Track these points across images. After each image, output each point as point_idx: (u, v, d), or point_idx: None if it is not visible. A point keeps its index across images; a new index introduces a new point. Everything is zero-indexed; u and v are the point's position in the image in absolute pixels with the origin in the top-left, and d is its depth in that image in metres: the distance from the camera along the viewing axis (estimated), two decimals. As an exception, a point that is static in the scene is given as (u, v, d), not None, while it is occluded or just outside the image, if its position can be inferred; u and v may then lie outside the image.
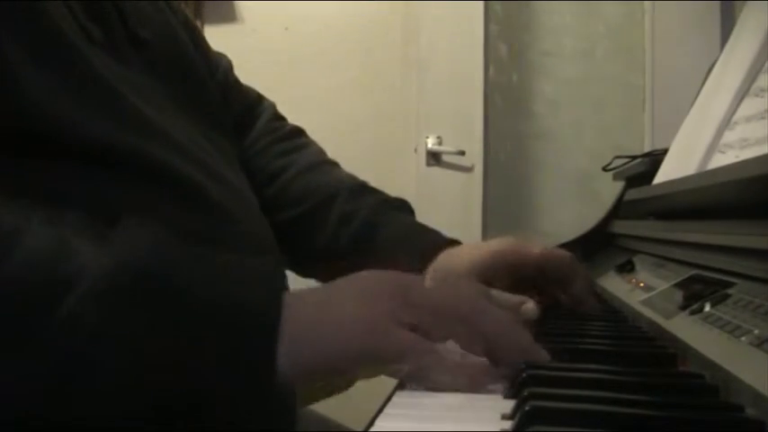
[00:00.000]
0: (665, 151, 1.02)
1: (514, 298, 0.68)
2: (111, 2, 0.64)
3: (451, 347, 0.51)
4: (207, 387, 0.43)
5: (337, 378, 0.48)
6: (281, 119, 0.95)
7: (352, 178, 0.90)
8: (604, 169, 1.32)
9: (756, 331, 0.48)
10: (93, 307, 0.41)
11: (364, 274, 0.51)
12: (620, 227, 1.16)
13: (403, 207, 0.86)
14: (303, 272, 0.85)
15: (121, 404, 0.42)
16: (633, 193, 1.13)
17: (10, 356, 0.40)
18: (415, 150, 1.91)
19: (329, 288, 0.51)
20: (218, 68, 0.88)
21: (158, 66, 0.68)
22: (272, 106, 0.96)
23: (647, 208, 1.03)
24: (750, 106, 0.79)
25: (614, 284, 0.92)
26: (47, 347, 0.40)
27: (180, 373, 0.43)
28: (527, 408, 0.40)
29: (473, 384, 0.48)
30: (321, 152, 0.93)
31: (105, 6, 0.63)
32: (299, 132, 0.94)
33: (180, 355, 0.42)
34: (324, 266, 0.81)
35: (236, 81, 0.93)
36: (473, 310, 0.50)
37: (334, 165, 0.92)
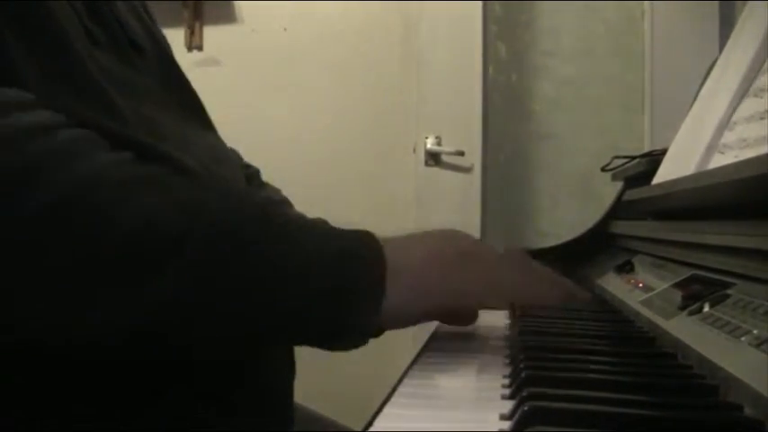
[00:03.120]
0: (664, 151, 1.02)
1: None
2: (109, 9, 0.65)
3: None
4: (318, 320, 0.52)
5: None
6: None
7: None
8: (603, 169, 1.32)
9: (756, 331, 0.48)
10: (225, 237, 0.49)
11: (443, 230, 0.63)
12: (619, 227, 1.16)
13: None
14: None
15: (234, 323, 0.50)
16: (632, 194, 1.13)
17: (150, 280, 0.47)
18: (414, 150, 1.91)
19: (416, 236, 0.61)
20: None
21: (155, 71, 0.70)
22: None
23: (647, 208, 1.03)
24: (749, 106, 0.79)
25: (613, 285, 0.92)
26: (182, 274, 0.48)
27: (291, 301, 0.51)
28: (526, 408, 0.40)
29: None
30: (279, 192, 0.97)
31: (105, 12, 0.64)
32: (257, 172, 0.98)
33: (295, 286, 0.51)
34: None
35: None
36: (529, 263, 0.66)
37: (290, 205, 0.94)
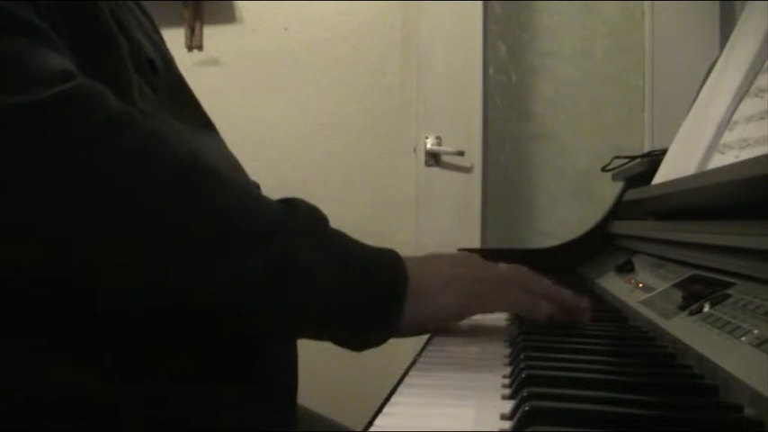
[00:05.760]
0: (664, 151, 1.02)
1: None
2: (130, 28, 0.67)
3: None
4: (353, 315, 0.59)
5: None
6: None
7: None
8: (604, 169, 1.32)
9: (756, 331, 0.48)
10: (303, 236, 0.57)
11: (453, 254, 0.72)
12: (619, 227, 1.16)
13: None
14: None
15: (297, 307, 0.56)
16: (632, 194, 1.13)
17: (250, 252, 0.53)
18: (415, 150, 1.91)
19: (430, 260, 0.67)
20: None
21: (167, 88, 0.71)
22: None
23: (647, 208, 1.03)
24: (750, 106, 0.79)
25: (614, 285, 0.92)
26: (282, 250, 0.55)
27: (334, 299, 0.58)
28: (526, 408, 0.40)
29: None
30: None
31: (129, 29, 0.65)
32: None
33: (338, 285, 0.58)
34: None
35: None
36: (531, 279, 0.69)
37: None
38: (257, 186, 0.96)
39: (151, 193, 0.51)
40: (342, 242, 0.61)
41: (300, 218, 0.58)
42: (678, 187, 0.82)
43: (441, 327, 0.69)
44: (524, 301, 0.68)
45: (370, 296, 0.59)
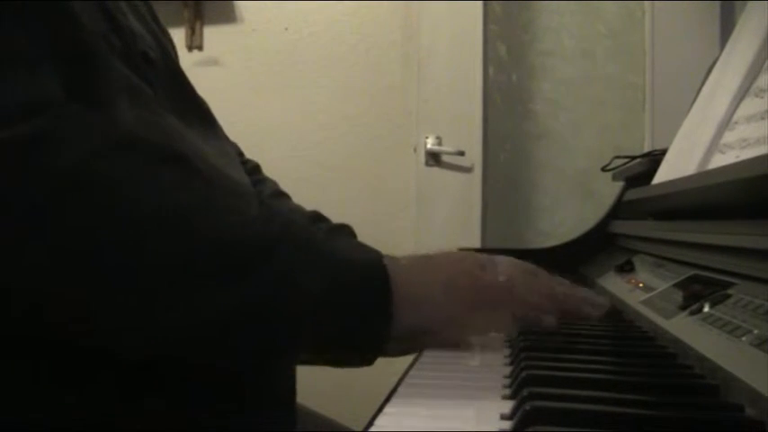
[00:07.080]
0: (664, 151, 1.02)
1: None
2: (124, 19, 0.66)
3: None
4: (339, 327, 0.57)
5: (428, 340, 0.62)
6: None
7: (304, 210, 0.95)
8: (604, 169, 1.32)
9: (756, 331, 0.48)
10: (293, 258, 0.55)
11: (452, 253, 0.67)
12: (619, 227, 1.16)
13: (350, 231, 0.91)
14: None
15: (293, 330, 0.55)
16: (633, 194, 1.13)
17: (236, 283, 0.52)
18: (415, 150, 1.91)
19: (425, 260, 0.63)
20: None
21: (163, 82, 0.70)
22: None
23: (647, 208, 1.03)
24: (750, 106, 0.79)
25: (614, 284, 0.92)
26: (267, 280, 0.53)
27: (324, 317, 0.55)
28: (526, 408, 0.40)
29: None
30: (277, 184, 0.99)
31: (121, 21, 0.64)
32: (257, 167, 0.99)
33: (326, 300, 0.55)
34: None
35: None
36: (543, 278, 0.66)
37: (289, 198, 0.97)
38: (257, 167, 0.96)
39: (135, 227, 0.50)
40: (323, 264, 0.57)
41: (286, 246, 0.55)
42: (678, 187, 0.82)
43: (438, 345, 0.63)
44: (526, 314, 0.64)
45: (350, 325, 0.57)
